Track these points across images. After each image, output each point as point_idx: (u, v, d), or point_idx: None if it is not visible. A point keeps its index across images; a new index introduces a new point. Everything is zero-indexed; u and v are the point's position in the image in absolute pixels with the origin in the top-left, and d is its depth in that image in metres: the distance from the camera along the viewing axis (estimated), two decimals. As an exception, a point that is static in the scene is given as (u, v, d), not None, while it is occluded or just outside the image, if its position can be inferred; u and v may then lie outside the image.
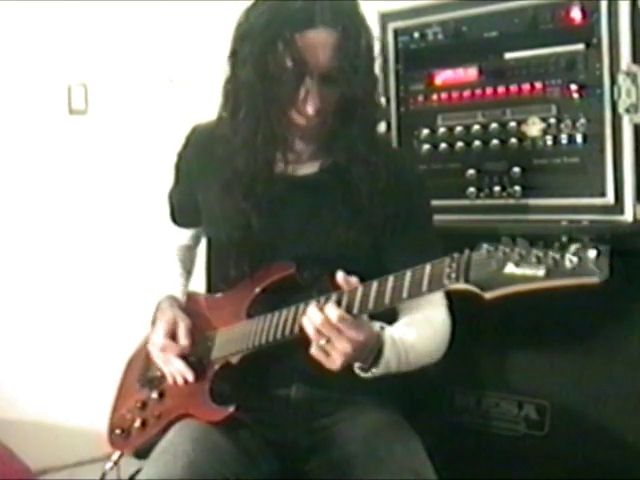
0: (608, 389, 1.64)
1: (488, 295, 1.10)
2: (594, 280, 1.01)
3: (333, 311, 1.26)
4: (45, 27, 2.61)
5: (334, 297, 1.28)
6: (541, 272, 1.04)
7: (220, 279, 1.59)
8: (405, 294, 1.22)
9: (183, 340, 1.51)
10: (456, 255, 1.14)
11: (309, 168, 1.52)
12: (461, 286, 1.13)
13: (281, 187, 1.49)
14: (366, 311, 1.28)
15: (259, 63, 1.38)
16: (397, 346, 1.37)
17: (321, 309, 1.27)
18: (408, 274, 1.21)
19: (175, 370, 1.50)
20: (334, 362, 1.28)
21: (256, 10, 1.41)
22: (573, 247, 1.03)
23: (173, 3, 2.75)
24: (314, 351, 1.29)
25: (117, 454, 1.59)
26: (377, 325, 1.37)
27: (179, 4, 2.75)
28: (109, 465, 1.61)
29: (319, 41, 1.35)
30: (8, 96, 2.59)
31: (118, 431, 1.58)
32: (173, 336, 1.52)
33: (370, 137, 1.48)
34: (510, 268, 1.07)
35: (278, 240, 1.49)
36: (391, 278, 1.24)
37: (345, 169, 1.47)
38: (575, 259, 1.02)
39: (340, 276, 1.28)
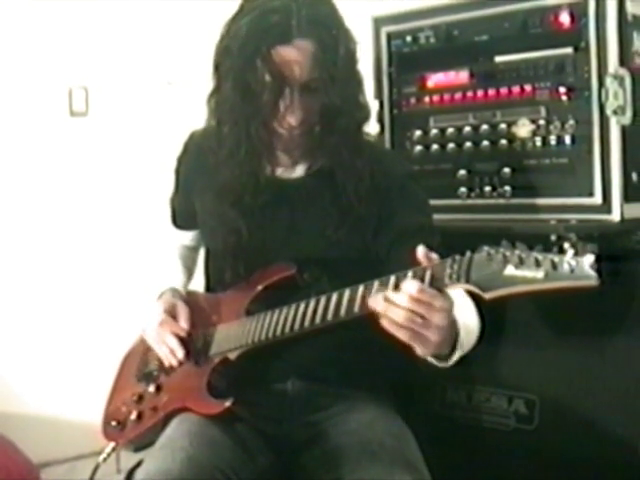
0: (596, 384, 1.65)
1: (488, 296, 1.11)
2: (591, 283, 1.02)
3: (414, 285, 1.15)
4: (46, 30, 2.64)
5: (410, 274, 1.19)
6: (540, 274, 1.05)
7: (217, 283, 1.60)
8: None
9: (182, 322, 1.53)
10: (457, 256, 1.15)
11: (296, 172, 1.53)
12: (462, 286, 1.13)
13: (269, 192, 1.50)
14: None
15: (239, 80, 1.39)
16: (463, 328, 1.31)
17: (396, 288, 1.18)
18: (410, 274, 1.20)
19: (167, 347, 1.50)
20: (430, 343, 1.18)
21: (235, 24, 1.41)
22: (571, 251, 1.04)
23: (172, 5, 2.78)
24: (407, 338, 1.17)
25: (110, 446, 1.60)
26: None
27: (178, 6, 2.78)
28: (102, 457, 1.62)
29: (297, 55, 1.36)
30: (10, 98, 2.63)
31: (114, 423, 1.58)
32: (172, 317, 1.54)
33: (354, 142, 1.48)
34: (510, 270, 1.08)
35: (270, 244, 1.50)
36: (392, 277, 1.22)
37: (330, 173, 1.48)
38: (573, 262, 1.03)
39: (421, 251, 1.19)
